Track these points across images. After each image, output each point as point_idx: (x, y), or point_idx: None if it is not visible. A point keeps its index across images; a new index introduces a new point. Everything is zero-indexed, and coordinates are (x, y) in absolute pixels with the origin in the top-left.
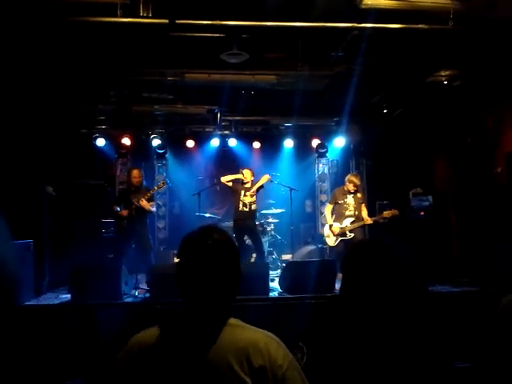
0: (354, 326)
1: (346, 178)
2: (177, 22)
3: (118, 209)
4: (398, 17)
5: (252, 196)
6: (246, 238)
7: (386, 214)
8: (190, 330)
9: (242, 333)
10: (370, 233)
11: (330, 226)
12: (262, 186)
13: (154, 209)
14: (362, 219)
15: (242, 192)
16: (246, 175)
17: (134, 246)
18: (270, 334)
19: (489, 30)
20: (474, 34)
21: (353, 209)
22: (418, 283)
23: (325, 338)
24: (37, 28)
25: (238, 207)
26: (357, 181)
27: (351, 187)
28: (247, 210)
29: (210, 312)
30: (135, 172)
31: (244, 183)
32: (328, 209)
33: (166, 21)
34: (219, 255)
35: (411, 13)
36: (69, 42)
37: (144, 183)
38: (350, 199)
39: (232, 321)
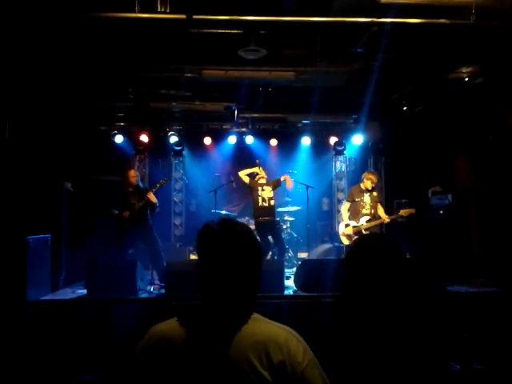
0: (356, 325)
1: (363, 176)
2: (194, 17)
3: (117, 212)
4: (418, 12)
5: (270, 191)
6: (269, 236)
7: (403, 212)
8: (209, 324)
9: (262, 327)
10: (387, 232)
11: (346, 226)
12: (279, 183)
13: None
14: (379, 218)
15: (259, 188)
16: (261, 171)
17: (142, 244)
18: (290, 329)
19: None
20: (496, 29)
21: (369, 207)
22: (436, 282)
23: (330, 337)
24: (55, 24)
25: (258, 202)
26: (374, 178)
27: (369, 184)
28: (267, 205)
29: (230, 306)
30: (132, 172)
31: (259, 178)
32: (345, 207)
33: (184, 16)
34: (238, 248)
35: (432, 7)
36: (87, 38)
37: (141, 184)
38: (366, 197)
39: (253, 315)
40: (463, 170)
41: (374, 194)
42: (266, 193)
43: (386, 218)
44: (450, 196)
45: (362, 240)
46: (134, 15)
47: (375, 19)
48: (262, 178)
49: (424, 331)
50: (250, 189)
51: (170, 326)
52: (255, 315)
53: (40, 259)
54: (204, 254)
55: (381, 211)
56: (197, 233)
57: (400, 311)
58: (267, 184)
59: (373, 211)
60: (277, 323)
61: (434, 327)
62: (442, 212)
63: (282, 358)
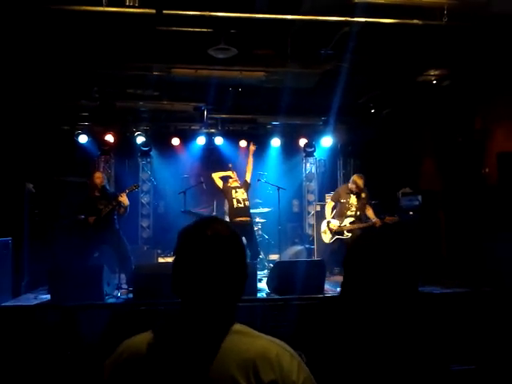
0: (357, 328)
1: (351, 178)
2: (164, 12)
3: (83, 217)
4: (390, 12)
5: (243, 193)
6: (243, 237)
7: (388, 219)
8: (187, 337)
9: (249, 341)
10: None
11: (328, 223)
12: (248, 184)
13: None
14: (366, 220)
15: (233, 190)
16: (234, 174)
17: (110, 249)
18: (281, 343)
19: (482, 27)
20: (467, 30)
21: (355, 209)
22: (407, 283)
23: (323, 341)
24: (16, 18)
25: (233, 204)
26: (360, 183)
27: (354, 188)
28: (242, 205)
29: (211, 316)
30: (97, 173)
31: (231, 182)
32: (329, 205)
33: (153, 11)
34: (221, 249)
35: (404, 7)
36: (50, 32)
37: (108, 188)
38: (353, 199)
39: (237, 327)
40: (431, 171)
41: (363, 195)
42: (240, 194)
43: (377, 221)
44: (419, 197)
45: (367, 238)
46: (101, 9)
47: (348, 18)
48: (235, 181)
49: (409, 332)
50: (224, 192)
51: (144, 339)
52: (239, 326)
53: (0, 263)
54: (181, 257)
55: (370, 212)
56: (178, 234)
57: (397, 311)
58: (240, 187)
59: (358, 213)
60: (265, 335)
61: (414, 328)
62: (411, 213)
63: (274, 376)
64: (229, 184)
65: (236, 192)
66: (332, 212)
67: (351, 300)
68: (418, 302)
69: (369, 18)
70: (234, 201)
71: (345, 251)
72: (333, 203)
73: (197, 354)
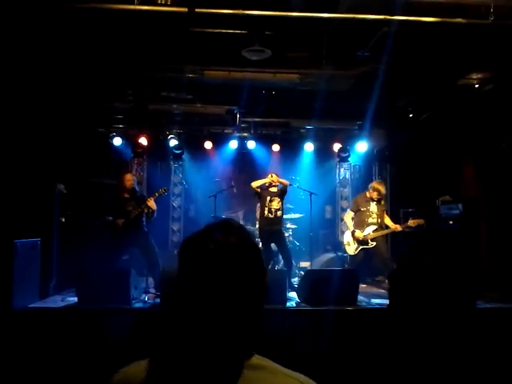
0: (403, 348)
1: (371, 186)
2: (196, 10)
3: (111, 218)
4: (430, 11)
5: (278, 202)
6: (272, 244)
7: (411, 222)
8: (190, 372)
9: (269, 378)
10: (392, 242)
11: (353, 232)
12: (284, 191)
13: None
14: (386, 227)
15: (268, 198)
16: (275, 178)
17: (139, 252)
18: (306, 379)
19: None
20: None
21: (376, 216)
22: (463, 299)
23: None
24: (50, 18)
25: (264, 214)
26: (382, 189)
27: (375, 195)
28: (272, 216)
29: (221, 346)
30: (128, 175)
31: (270, 187)
32: (349, 215)
33: (185, 9)
34: (227, 262)
35: (445, 6)
36: (85, 33)
37: (138, 190)
38: (373, 207)
39: (254, 360)
40: (473, 179)
41: (382, 202)
42: (274, 204)
43: (397, 227)
44: (460, 205)
45: (418, 255)
46: (133, 7)
47: (387, 16)
48: (274, 186)
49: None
50: (258, 198)
51: (139, 370)
52: (257, 358)
53: (29, 264)
54: (184, 276)
55: (388, 220)
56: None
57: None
58: (277, 194)
59: (379, 220)
60: (287, 370)
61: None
62: (451, 222)
63: None
64: (267, 188)
65: (271, 201)
66: (352, 222)
67: (402, 317)
68: (476, 319)
69: (409, 17)
70: (266, 210)
71: (370, 260)
72: (352, 213)
73: None
